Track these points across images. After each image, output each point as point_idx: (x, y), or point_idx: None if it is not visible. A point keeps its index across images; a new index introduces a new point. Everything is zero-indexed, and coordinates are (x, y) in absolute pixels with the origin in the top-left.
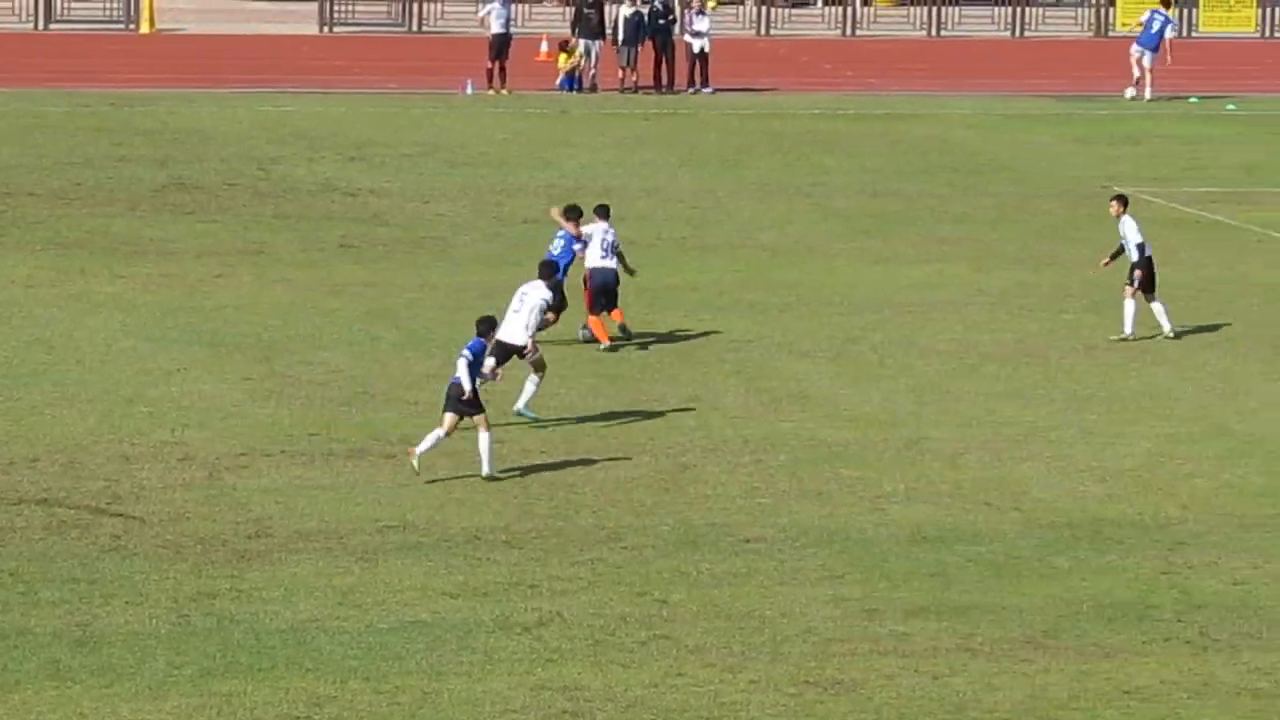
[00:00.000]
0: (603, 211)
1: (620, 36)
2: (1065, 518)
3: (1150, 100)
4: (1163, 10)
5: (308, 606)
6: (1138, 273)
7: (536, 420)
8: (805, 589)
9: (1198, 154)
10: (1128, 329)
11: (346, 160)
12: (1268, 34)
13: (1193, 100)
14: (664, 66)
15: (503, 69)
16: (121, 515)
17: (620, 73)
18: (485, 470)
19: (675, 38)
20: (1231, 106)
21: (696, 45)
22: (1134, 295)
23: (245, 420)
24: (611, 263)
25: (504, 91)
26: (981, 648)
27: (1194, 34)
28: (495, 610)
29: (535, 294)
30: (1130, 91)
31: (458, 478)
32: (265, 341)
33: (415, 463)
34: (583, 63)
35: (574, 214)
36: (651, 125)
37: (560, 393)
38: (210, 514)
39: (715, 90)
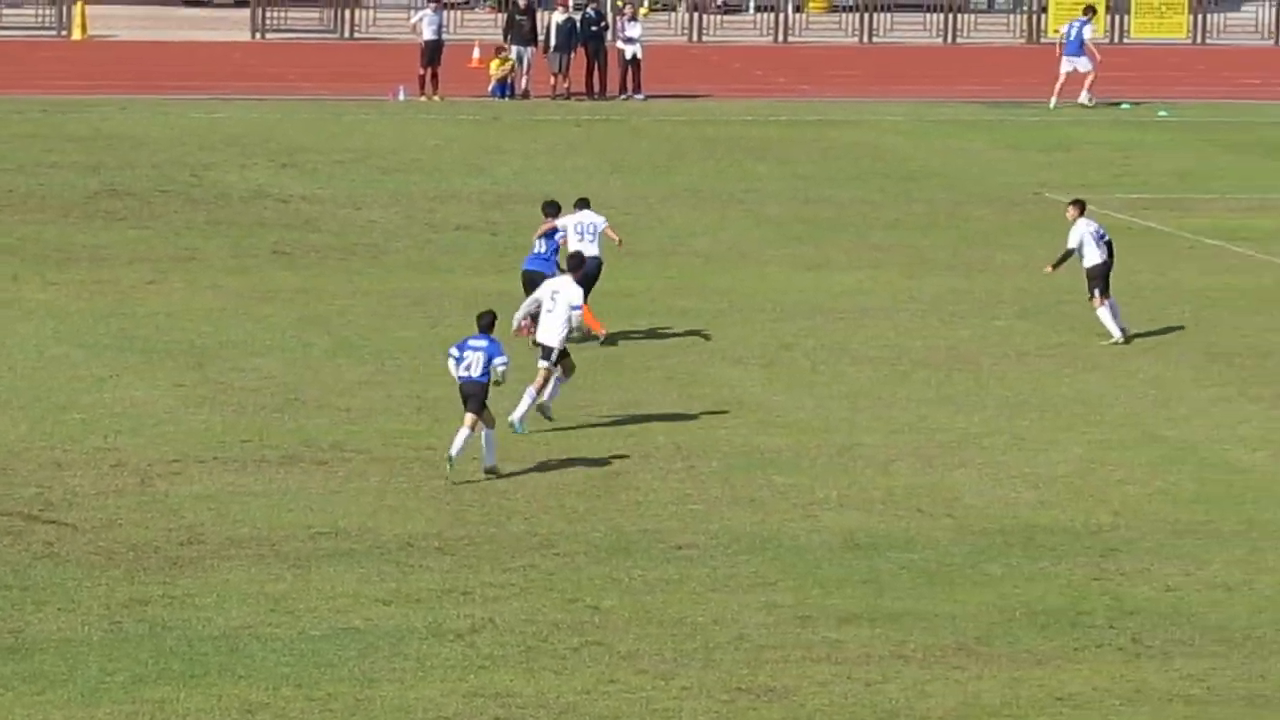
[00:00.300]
0: (583, 203)
1: (552, 43)
2: (998, 524)
3: (1093, 106)
4: (1081, 17)
5: (240, 613)
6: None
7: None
8: (738, 595)
9: (1129, 160)
10: (1115, 334)
11: (279, 167)
12: (1199, 40)
13: (1124, 106)
14: (596, 73)
15: (435, 75)
16: (54, 522)
17: (552, 79)
18: (489, 461)
19: (608, 44)
20: (1163, 113)
21: (629, 51)
22: (1101, 303)
23: (178, 427)
24: (596, 250)
25: (436, 98)
26: (914, 655)
27: (1125, 40)
28: (427, 617)
29: (567, 294)
30: (1053, 101)
31: (392, 484)
32: (197, 348)
33: (450, 467)
34: (515, 69)
35: (552, 210)
36: (583, 132)
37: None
38: (143, 521)
39: (647, 97)
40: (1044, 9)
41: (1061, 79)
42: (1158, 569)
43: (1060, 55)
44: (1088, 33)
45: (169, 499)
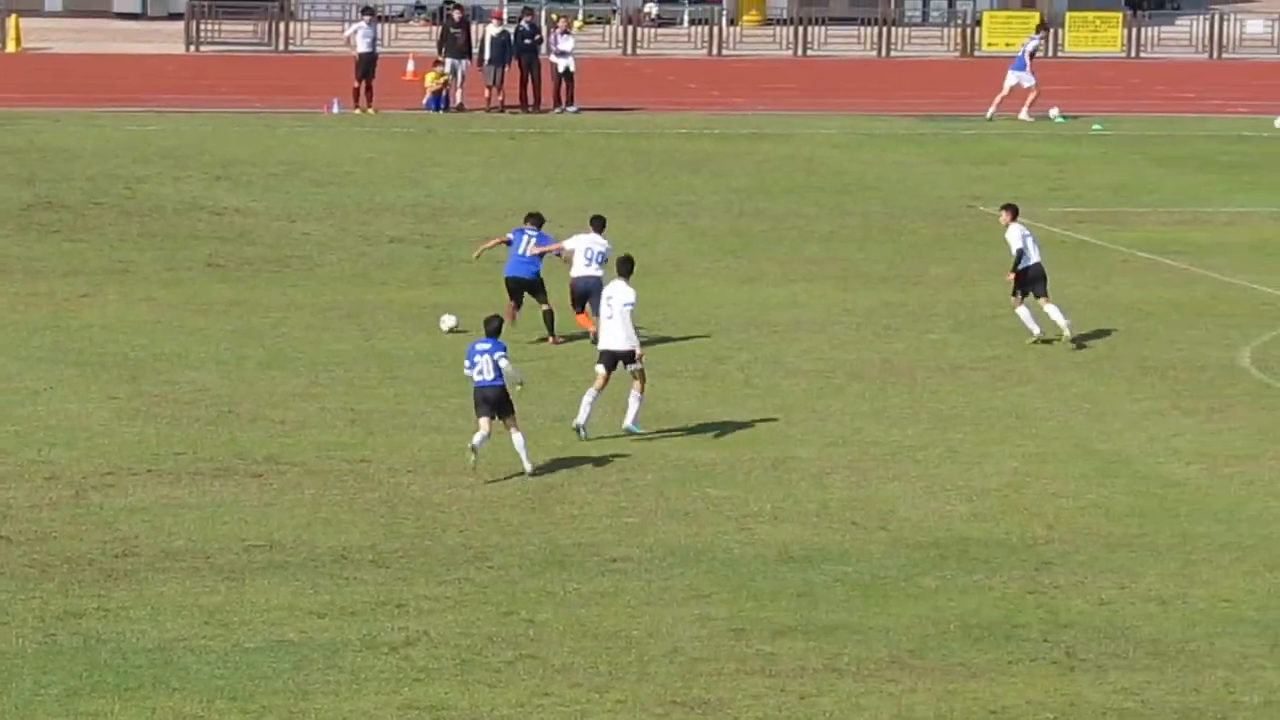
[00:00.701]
0: (598, 223)
1: (487, 56)
2: (932, 537)
3: (1032, 122)
4: (1034, 35)
5: (174, 626)
6: (1010, 276)
7: (642, 434)
8: (672, 608)
9: (1064, 174)
10: (1034, 330)
11: (213, 179)
12: (1133, 53)
13: (1059, 120)
14: (530, 86)
15: (369, 88)
16: None
17: (487, 92)
18: (527, 468)
19: (541, 57)
20: (1097, 126)
21: (562, 65)
22: (1020, 303)
23: (112, 439)
24: (596, 271)
25: (370, 111)
26: (848, 667)
27: (1060, 54)
28: (362, 629)
29: (621, 295)
30: (1024, 114)
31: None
32: (131, 360)
33: (473, 459)
34: (450, 82)
35: (537, 220)
36: (518, 144)
37: (427, 412)
38: (77, 533)
39: (580, 109)
40: (978, 23)
41: (1004, 92)
42: (1092, 582)
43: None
44: (1031, 45)
45: (103, 511)
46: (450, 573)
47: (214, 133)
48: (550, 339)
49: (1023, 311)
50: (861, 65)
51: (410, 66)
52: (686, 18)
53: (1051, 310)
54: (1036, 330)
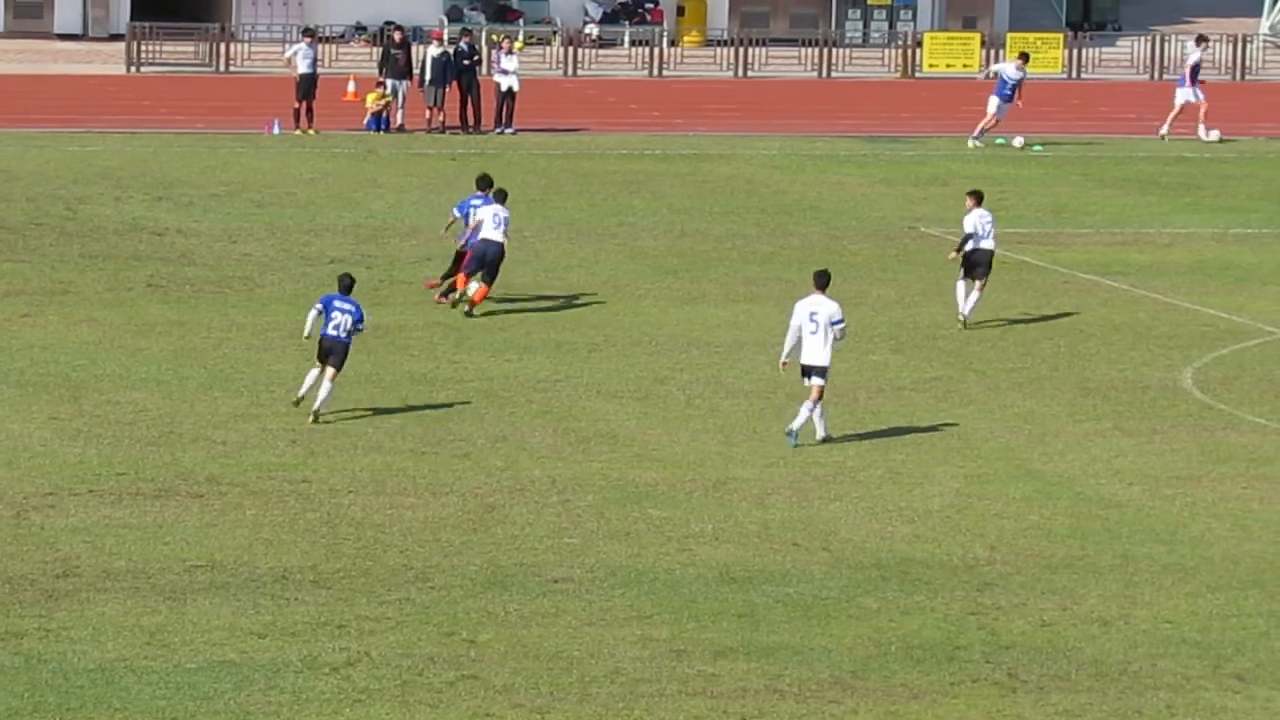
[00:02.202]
0: (500, 195)
1: (427, 77)
2: (873, 558)
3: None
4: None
5: (115, 646)
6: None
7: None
8: (613, 629)
9: (1005, 195)
10: (964, 311)
11: (154, 200)
12: (1074, 75)
13: (1000, 141)
14: (470, 107)
15: (310, 109)
16: None
17: (427, 113)
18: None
19: (482, 78)
20: (1038, 148)
21: (505, 84)
22: (961, 279)
23: (52, 460)
24: (500, 237)
25: (311, 131)
26: (789, 689)
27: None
28: (303, 650)
29: (826, 310)
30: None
31: (269, 516)
32: (73, 381)
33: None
34: (391, 103)
35: (486, 184)
36: (458, 165)
37: (368, 432)
38: (17, 554)
39: (517, 131)
40: (918, 44)
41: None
42: (1033, 603)
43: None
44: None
45: (44, 532)
46: (391, 593)
47: (155, 154)
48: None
49: (959, 288)
50: (802, 86)
51: (351, 87)
52: (627, 39)
53: (971, 297)
54: (966, 311)
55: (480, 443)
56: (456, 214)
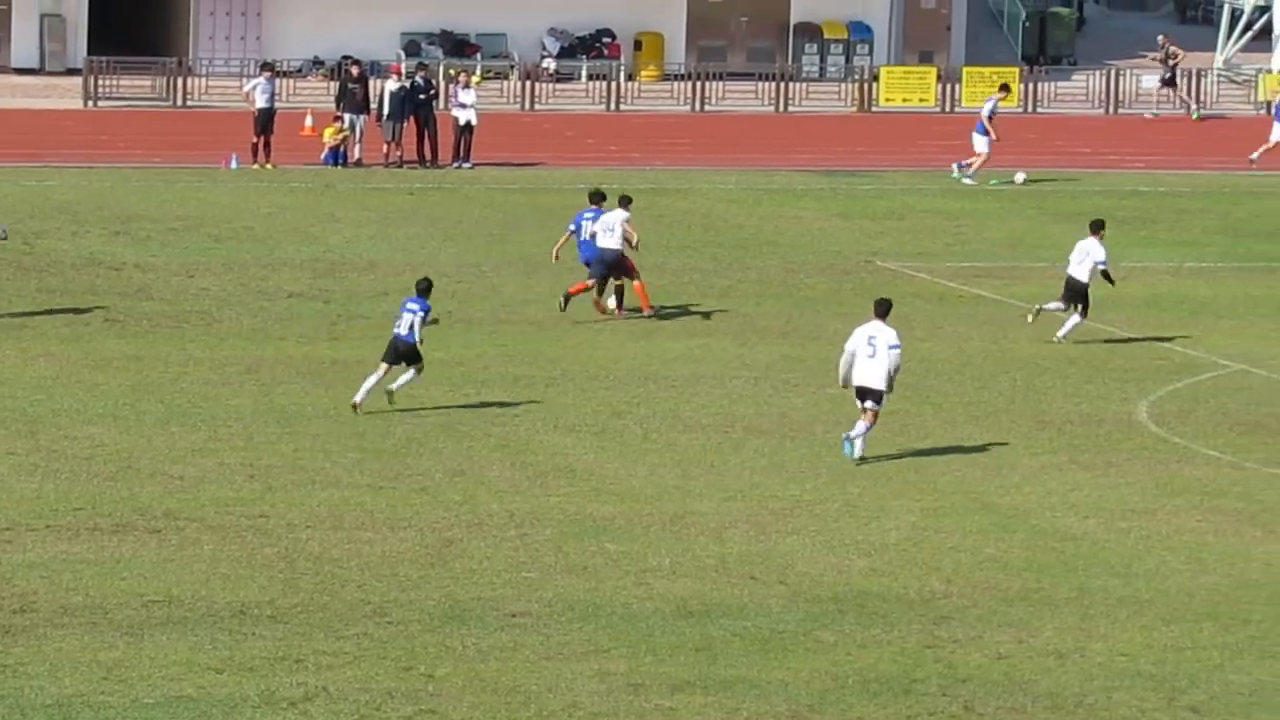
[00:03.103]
0: (624, 201)
1: (385, 111)
2: (830, 591)
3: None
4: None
5: (73, 682)
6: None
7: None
8: (571, 664)
9: (961, 229)
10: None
11: (111, 234)
12: (1030, 109)
13: (954, 175)
14: (427, 141)
15: (267, 143)
16: None
17: (385, 147)
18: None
19: (439, 112)
20: (994, 181)
21: (463, 118)
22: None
23: (10, 495)
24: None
25: (268, 166)
26: None
27: (957, 109)
28: (260, 685)
29: (885, 337)
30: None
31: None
32: (30, 416)
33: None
34: (348, 137)
35: (599, 197)
36: (416, 200)
37: (325, 467)
38: None
39: (475, 165)
40: (875, 78)
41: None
42: (990, 636)
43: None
44: (986, 108)
45: (1, 567)
46: (349, 628)
47: (112, 188)
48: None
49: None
50: (759, 120)
51: (308, 122)
52: (585, 73)
53: (1071, 320)
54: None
55: (438, 477)
56: (570, 229)
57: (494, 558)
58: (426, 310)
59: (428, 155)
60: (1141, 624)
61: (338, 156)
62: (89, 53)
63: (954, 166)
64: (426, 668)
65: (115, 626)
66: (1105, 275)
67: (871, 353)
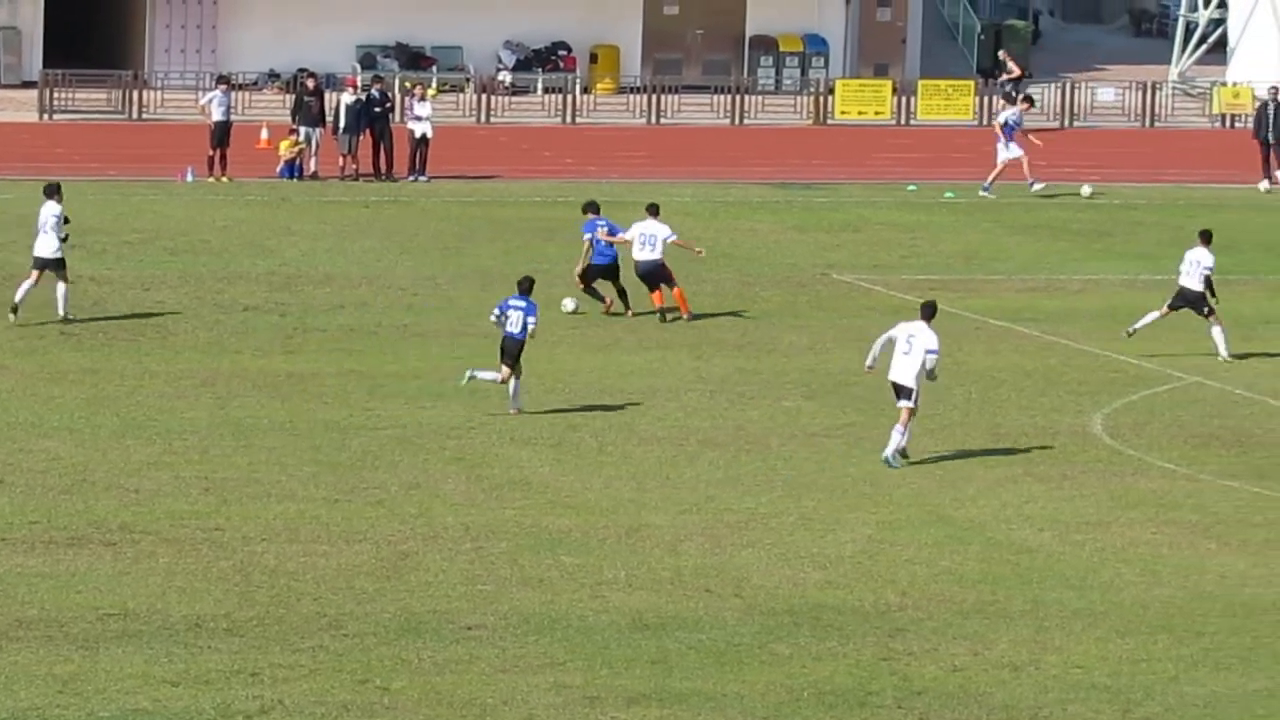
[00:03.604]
0: (653, 210)
1: (341, 124)
2: (785, 604)
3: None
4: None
5: (28, 695)
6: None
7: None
8: (526, 676)
9: (916, 241)
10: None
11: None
12: (985, 122)
13: (911, 188)
14: (382, 154)
15: (223, 156)
16: None
17: (341, 160)
18: (516, 406)
19: (395, 125)
20: (950, 194)
21: (419, 130)
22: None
23: None
24: (648, 255)
25: (224, 179)
26: None
27: (913, 122)
28: (216, 698)
29: (923, 339)
30: (1087, 189)
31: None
32: None
33: (464, 380)
34: (304, 150)
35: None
36: (372, 213)
37: (281, 480)
38: None
39: (431, 178)
40: (830, 91)
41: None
42: (945, 649)
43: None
44: (1011, 118)
45: None
46: (305, 641)
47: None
48: (628, 312)
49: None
50: (715, 133)
51: (264, 135)
52: (541, 86)
53: (1214, 332)
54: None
55: (394, 490)
56: (588, 237)
57: (450, 571)
58: (533, 308)
59: (383, 168)
60: (1096, 636)
61: (293, 170)
62: (44, 65)
63: (910, 185)
64: (382, 680)
65: (71, 640)
66: (1208, 283)
67: (907, 349)
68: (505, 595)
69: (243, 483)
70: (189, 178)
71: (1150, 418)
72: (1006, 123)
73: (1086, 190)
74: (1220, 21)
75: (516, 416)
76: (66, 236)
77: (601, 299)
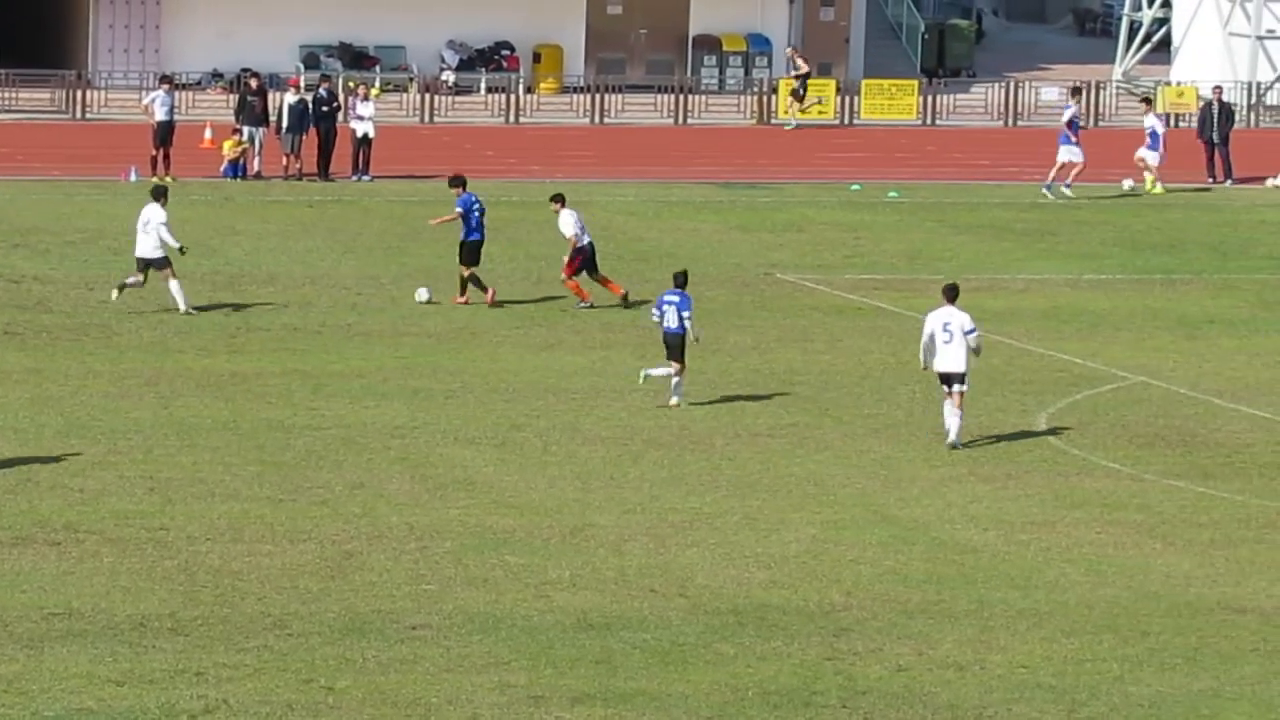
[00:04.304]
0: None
1: (284, 124)
2: (730, 604)
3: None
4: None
5: None
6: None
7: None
8: (471, 676)
9: (860, 241)
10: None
11: (10, 247)
12: (929, 121)
13: (854, 188)
14: (328, 154)
15: (167, 156)
16: None
17: (284, 160)
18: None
19: (340, 125)
20: (894, 194)
21: (360, 130)
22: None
23: None
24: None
25: (168, 179)
26: None
27: (855, 121)
28: (161, 698)
29: (958, 320)
30: (1128, 183)
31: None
32: None
33: (642, 380)
34: (247, 150)
35: (458, 182)
36: (316, 212)
37: (225, 480)
38: None
39: (374, 178)
40: (774, 90)
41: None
42: (889, 649)
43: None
44: (1073, 115)
45: None
46: (249, 640)
47: (11, 201)
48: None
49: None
50: (658, 133)
51: (208, 134)
52: (484, 86)
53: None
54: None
55: (338, 490)
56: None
57: (394, 570)
58: (686, 301)
59: (328, 168)
60: (1041, 636)
61: (237, 169)
62: None
63: (854, 184)
64: (327, 680)
65: (15, 639)
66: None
67: (948, 338)
68: (450, 595)
69: (187, 482)
70: (133, 177)
71: (1095, 417)
72: (1072, 121)
73: (1127, 184)
74: (1164, 21)
75: (460, 417)
76: (183, 248)
77: (484, 289)
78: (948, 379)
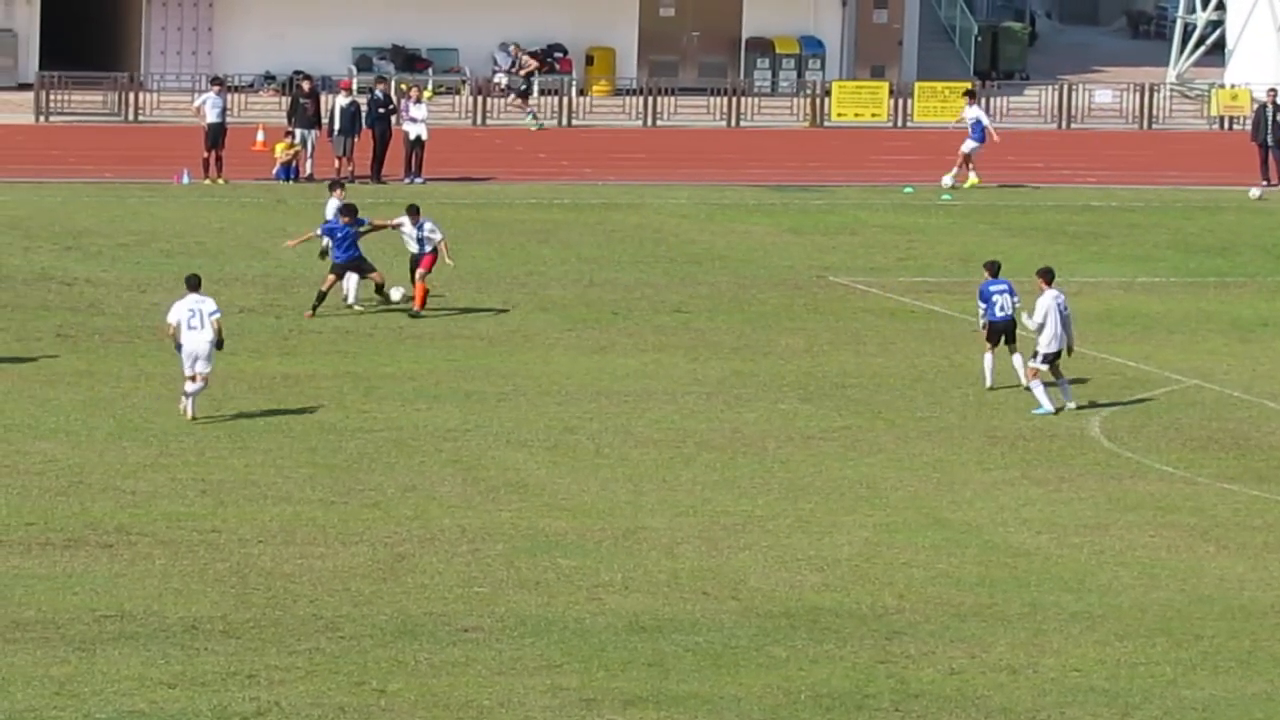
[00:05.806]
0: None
1: (336, 126)
2: (782, 607)
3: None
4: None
5: (25, 697)
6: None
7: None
8: (523, 678)
9: (913, 244)
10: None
11: (63, 250)
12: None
13: (907, 190)
14: (381, 156)
15: (219, 158)
16: None
17: (336, 163)
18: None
19: (395, 128)
20: (946, 196)
21: (414, 132)
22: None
23: None
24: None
25: (220, 181)
26: None
27: (909, 124)
28: (213, 700)
29: (1059, 299)
30: (1256, 191)
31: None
32: None
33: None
34: (300, 152)
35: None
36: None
37: (277, 482)
38: None
39: (427, 180)
40: (827, 93)
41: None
42: (942, 652)
43: None
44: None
45: None
46: (301, 643)
47: (64, 203)
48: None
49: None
50: (711, 135)
51: (260, 137)
52: (536, 88)
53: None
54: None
55: (390, 492)
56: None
57: (446, 573)
58: (1012, 289)
59: (380, 171)
60: (1094, 639)
61: (289, 172)
62: (40, 68)
63: (908, 187)
64: (378, 683)
65: (67, 641)
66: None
67: (1041, 320)
68: (501, 597)
69: (239, 485)
70: (185, 180)
71: (1148, 420)
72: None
73: (1255, 193)
74: (1218, 23)
75: (513, 420)
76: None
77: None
78: (1052, 358)
